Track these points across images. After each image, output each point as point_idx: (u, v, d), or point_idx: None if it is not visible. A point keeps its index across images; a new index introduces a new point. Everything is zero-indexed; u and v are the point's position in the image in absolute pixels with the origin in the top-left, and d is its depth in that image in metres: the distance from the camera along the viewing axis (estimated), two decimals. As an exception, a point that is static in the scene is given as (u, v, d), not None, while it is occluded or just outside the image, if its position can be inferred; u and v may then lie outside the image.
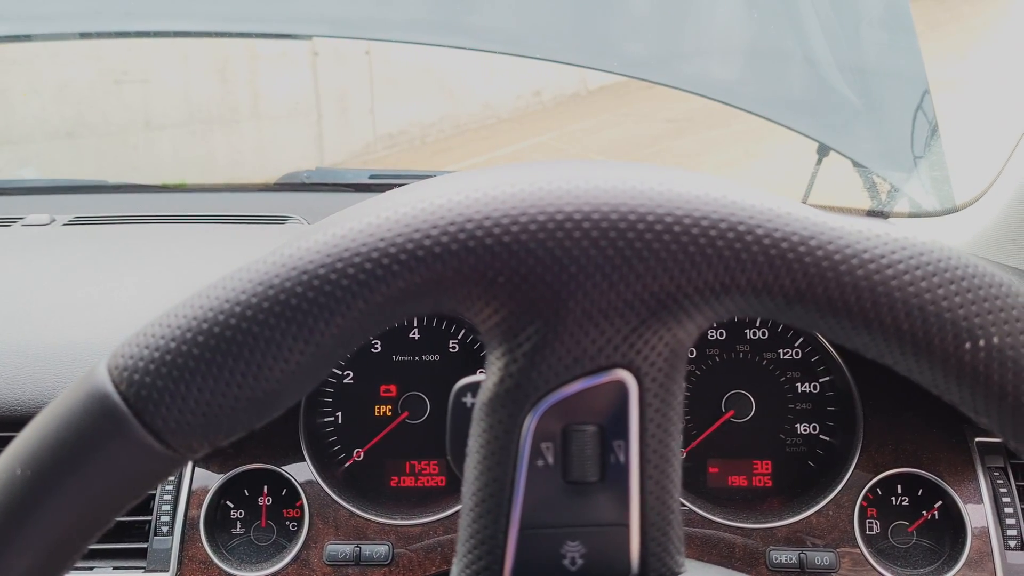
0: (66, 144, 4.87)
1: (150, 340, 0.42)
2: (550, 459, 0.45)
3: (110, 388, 0.41)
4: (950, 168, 1.40)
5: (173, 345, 0.41)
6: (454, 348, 1.06)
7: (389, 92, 6.16)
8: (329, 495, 0.99)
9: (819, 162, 1.54)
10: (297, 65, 5.82)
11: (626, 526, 0.46)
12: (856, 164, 1.51)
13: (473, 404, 0.47)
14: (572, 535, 0.46)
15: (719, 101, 1.60)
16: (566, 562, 0.46)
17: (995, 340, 0.41)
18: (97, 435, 0.41)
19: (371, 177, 1.55)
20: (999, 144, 1.13)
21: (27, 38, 1.93)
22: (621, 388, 0.44)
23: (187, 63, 5.36)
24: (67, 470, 0.41)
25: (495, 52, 1.90)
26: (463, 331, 1.06)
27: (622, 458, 0.45)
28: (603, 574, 0.46)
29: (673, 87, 1.64)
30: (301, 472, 1.00)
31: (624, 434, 0.45)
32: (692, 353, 0.46)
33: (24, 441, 0.42)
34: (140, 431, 0.41)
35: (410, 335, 1.06)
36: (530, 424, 0.44)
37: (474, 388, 0.49)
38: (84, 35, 1.90)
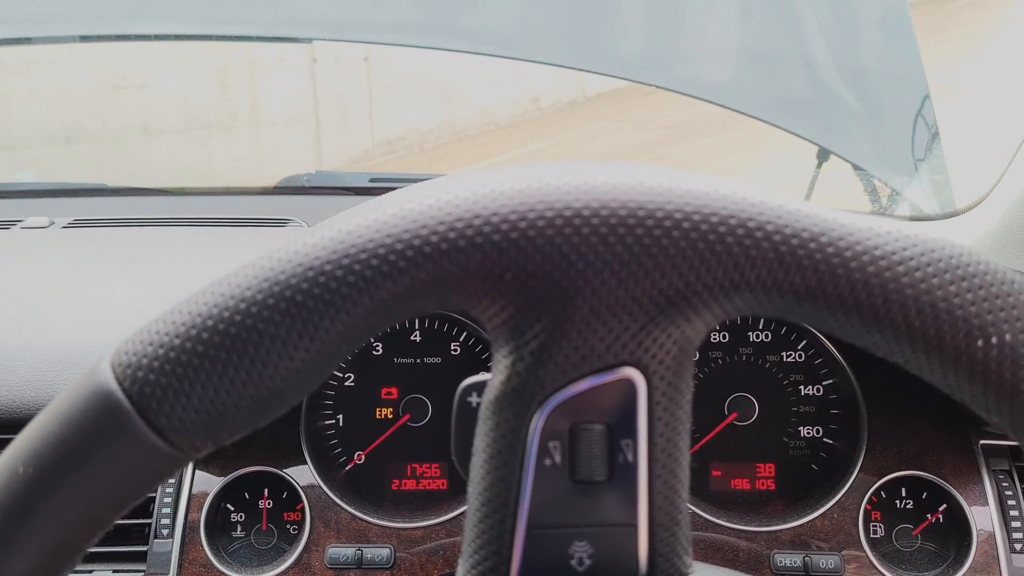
0: (64, 149, 4.86)
1: (154, 337, 0.41)
2: (557, 458, 0.45)
3: (113, 385, 0.41)
4: (950, 172, 1.40)
5: (178, 342, 0.41)
6: (456, 351, 1.06)
7: (387, 99, 6.15)
8: (330, 498, 0.99)
9: (819, 166, 1.54)
10: (295, 71, 5.81)
11: (634, 526, 0.46)
12: (856, 167, 1.51)
13: (478, 404, 0.46)
14: (580, 535, 0.46)
15: (720, 105, 1.60)
16: (573, 562, 0.46)
17: (1007, 337, 0.40)
18: (100, 433, 0.41)
19: (371, 181, 1.55)
20: (1000, 148, 1.13)
21: (27, 41, 1.92)
22: (629, 386, 0.44)
23: (185, 69, 5.35)
24: (69, 468, 0.41)
25: (493, 55, 1.90)
26: (465, 333, 1.05)
27: (630, 457, 0.45)
28: (611, 575, 0.46)
29: (674, 91, 1.64)
30: (302, 475, 1.00)
31: (632, 433, 0.45)
32: (695, 355, 0.46)
33: (26, 439, 0.42)
34: (143, 429, 0.41)
35: (411, 337, 1.06)
36: (537, 423, 0.44)
37: (479, 387, 0.48)
38: (84, 38, 1.89)
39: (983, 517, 0.95)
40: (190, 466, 0.99)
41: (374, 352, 1.06)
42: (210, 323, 0.41)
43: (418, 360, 1.05)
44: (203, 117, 5.52)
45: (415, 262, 0.41)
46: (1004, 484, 0.96)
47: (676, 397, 0.45)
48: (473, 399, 0.49)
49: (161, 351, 0.41)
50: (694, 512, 0.98)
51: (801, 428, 1.04)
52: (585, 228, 0.41)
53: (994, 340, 0.40)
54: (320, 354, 0.41)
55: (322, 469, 1.01)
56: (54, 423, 0.41)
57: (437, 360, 1.05)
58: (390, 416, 1.05)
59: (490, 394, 0.45)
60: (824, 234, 0.41)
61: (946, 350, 0.40)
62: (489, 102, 6.76)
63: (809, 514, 0.98)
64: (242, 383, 0.41)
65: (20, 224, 1.37)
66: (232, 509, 1.01)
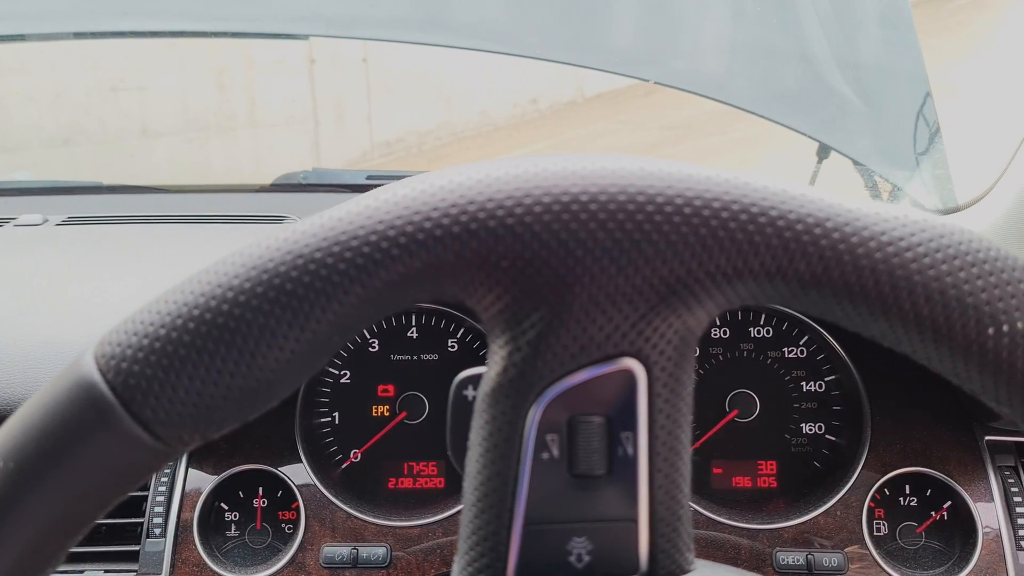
0: (62, 151, 4.85)
1: (139, 327, 0.40)
2: (555, 452, 0.44)
3: (97, 377, 0.40)
4: (952, 167, 1.39)
5: (163, 332, 0.40)
6: (453, 347, 1.05)
7: (386, 100, 6.14)
8: (326, 496, 0.98)
9: (819, 163, 1.53)
10: (294, 73, 5.80)
11: (634, 521, 0.44)
12: (856, 163, 1.50)
13: (474, 397, 0.45)
14: (578, 531, 0.45)
15: (718, 100, 1.59)
16: (572, 559, 0.45)
17: (1019, 325, 0.39)
18: (83, 426, 0.39)
19: (368, 178, 1.54)
20: (1001, 143, 1.12)
21: (21, 38, 1.92)
22: (629, 377, 0.43)
23: (184, 71, 5.34)
24: (52, 462, 0.39)
25: (488, 51, 1.89)
26: (462, 330, 1.04)
27: (630, 450, 0.44)
28: (610, 571, 0.45)
29: (671, 86, 1.63)
30: (297, 473, 0.99)
31: (632, 425, 0.43)
32: (697, 346, 0.45)
33: (8, 432, 0.41)
34: (128, 422, 0.39)
35: (408, 334, 1.04)
36: (535, 415, 0.43)
37: (475, 380, 0.47)
38: (78, 35, 1.88)
39: (988, 514, 0.94)
40: (183, 464, 0.99)
41: (370, 349, 1.05)
42: (197, 313, 0.40)
43: (415, 357, 1.04)
44: (201, 119, 5.52)
45: (408, 249, 0.40)
46: (1010, 480, 0.95)
47: (677, 389, 0.44)
48: (469, 392, 0.48)
49: (146, 341, 0.40)
50: (695, 510, 0.97)
51: (803, 425, 1.03)
52: (583, 214, 0.40)
53: (1005, 328, 0.39)
54: (311, 345, 0.40)
55: (317, 467, 1.00)
56: (36, 416, 0.40)
57: (434, 357, 1.04)
58: (386, 413, 1.04)
59: (486, 386, 0.44)
60: (830, 219, 0.40)
61: (956, 338, 0.39)
62: (488, 103, 6.76)
63: (812, 512, 0.97)
64: (230, 374, 0.40)
65: (13, 222, 1.36)
66: (226, 508, 1.00)
